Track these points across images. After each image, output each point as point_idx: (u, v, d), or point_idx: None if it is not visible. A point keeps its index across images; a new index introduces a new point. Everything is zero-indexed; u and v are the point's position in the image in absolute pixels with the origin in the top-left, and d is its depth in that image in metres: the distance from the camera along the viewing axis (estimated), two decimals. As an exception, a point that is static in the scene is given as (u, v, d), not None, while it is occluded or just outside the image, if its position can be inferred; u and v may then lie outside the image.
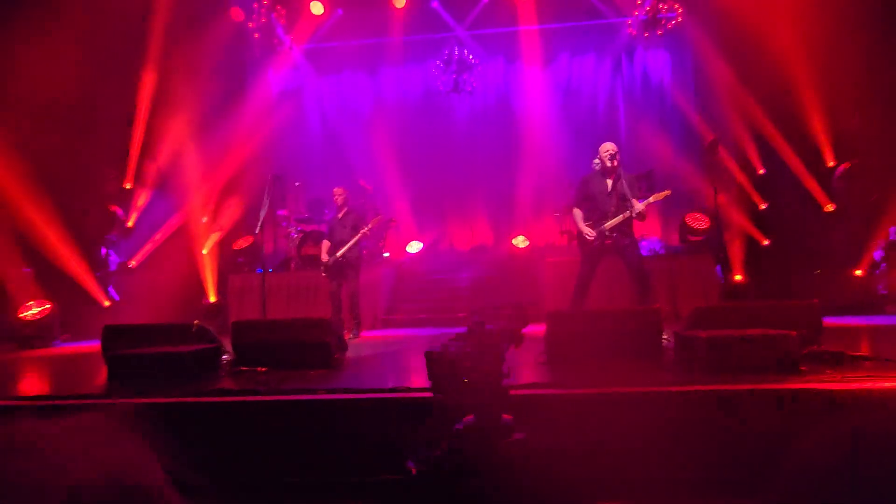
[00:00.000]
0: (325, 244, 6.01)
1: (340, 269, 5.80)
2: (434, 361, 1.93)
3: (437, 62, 8.67)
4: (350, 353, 4.17)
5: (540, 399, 2.89)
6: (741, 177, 7.76)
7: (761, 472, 2.57)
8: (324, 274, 5.90)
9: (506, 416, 2.00)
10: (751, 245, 7.44)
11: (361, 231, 5.75)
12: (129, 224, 7.77)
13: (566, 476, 2.29)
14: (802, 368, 3.03)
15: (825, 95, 6.91)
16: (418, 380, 3.70)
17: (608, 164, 4.66)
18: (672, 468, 2.60)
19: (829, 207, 7.19)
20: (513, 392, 2.90)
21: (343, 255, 5.74)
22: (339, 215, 6.02)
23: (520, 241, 8.24)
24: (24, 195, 6.56)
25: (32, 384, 4.14)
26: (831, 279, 6.61)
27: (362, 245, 6.06)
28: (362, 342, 5.42)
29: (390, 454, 2.69)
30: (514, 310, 2.25)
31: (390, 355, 4.69)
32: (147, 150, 7.84)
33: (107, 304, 7.33)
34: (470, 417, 1.93)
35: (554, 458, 2.27)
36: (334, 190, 6.11)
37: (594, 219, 4.70)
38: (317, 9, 8.64)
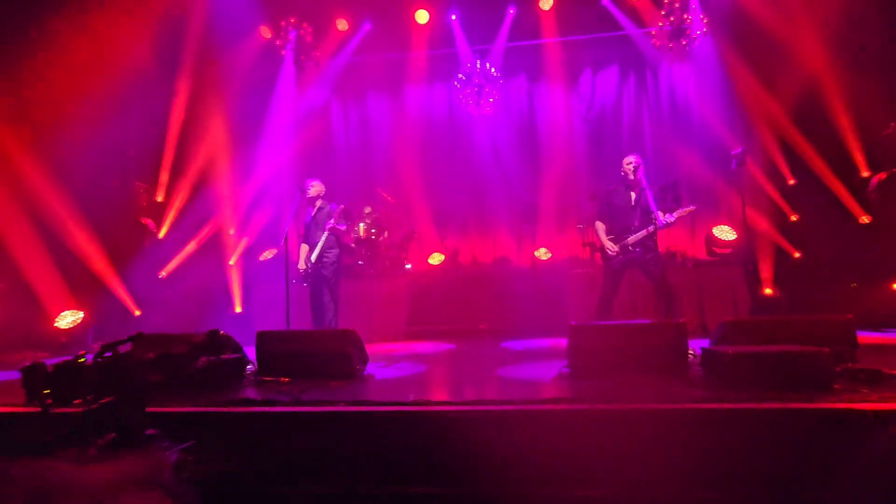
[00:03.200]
0: (303, 249, 5.24)
1: (317, 279, 5.13)
2: (25, 375, 2.11)
3: (460, 75, 8.74)
4: (372, 365, 4.18)
5: (562, 414, 2.85)
6: (770, 188, 7.58)
7: (790, 494, 2.48)
8: (304, 284, 5.17)
9: (151, 431, 2.31)
10: (781, 257, 7.24)
11: (327, 227, 5.02)
12: (161, 235, 7.99)
13: None
14: (836, 387, 2.92)
15: (857, 104, 6.73)
16: (440, 393, 3.70)
17: (631, 176, 4.61)
18: (697, 488, 2.53)
19: (865, 219, 6.95)
20: (533, 407, 2.88)
21: (317, 260, 5.05)
22: (314, 212, 5.26)
23: (542, 254, 8.18)
24: (59, 207, 6.82)
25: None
26: (867, 293, 6.37)
27: (342, 246, 5.30)
28: (384, 353, 5.42)
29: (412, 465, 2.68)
30: (207, 337, 2.50)
31: (410, 368, 4.69)
32: (178, 164, 8.08)
33: (137, 313, 7.53)
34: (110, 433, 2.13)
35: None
36: (308, 182, 5.30)
37: (617, 232, 4.65)
38: (342, 25, 8.83)
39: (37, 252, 6.73)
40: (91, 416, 2.24)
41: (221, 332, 4.02)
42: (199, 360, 2.41)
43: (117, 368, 2.25)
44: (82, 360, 2.22)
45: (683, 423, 2.73)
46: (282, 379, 3.84)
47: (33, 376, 2.19)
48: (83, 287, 6.98)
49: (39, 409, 2.21)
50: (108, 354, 2.26)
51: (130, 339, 2.37)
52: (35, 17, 6.58)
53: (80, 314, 6.59)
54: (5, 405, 3.20)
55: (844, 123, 6.83)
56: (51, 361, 3.00)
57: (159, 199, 8.08)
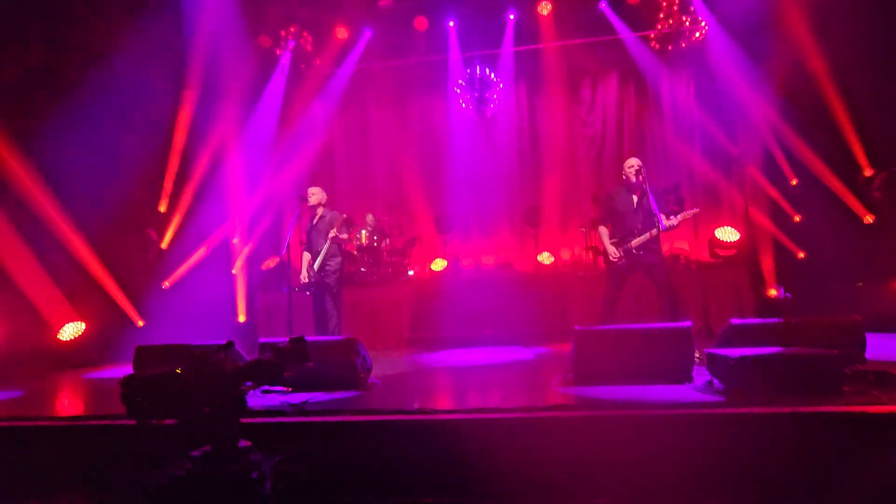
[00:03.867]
0: (305, 257, 5.17)
1: (320, 287, 5.10)
2: (122, 387, 2.04)
3: (460, 81, 8.75)
4: (376, 373, 4.16)
5: (567, 421, 2.83)
6: (773, 189, 7.55)
7: (799, 500, 2.45)
8: (307, 292, 5.13)
9: (244, 443, 2.19)
10: (786, 258, 7.20)
11: (329, 237, 4.96)
12: (164, 246, 8.01)
13: None
14: (845, 389, 2.89)
15: (858, 102, 6.70)
16: (445, 401, 3.68)
17: (633, 179, 4.60)
18: (705, 494, 2.50)
19: (869, 219, 6.91)
20: (538, 415, 2.86)
21: (320, 268, 5.01)
22: (314, 221, 5.21)
23: (545, 258, 8.16)
24: (61, 219, 6.85)
25: (69, 404, 4.26)
26: (874, 293, 6.32)
27: (344, 254, 5.29)
28: (388, 361, 5.40)
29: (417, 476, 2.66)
30: (294, 345, 2.42)
31: (415, 375, 4.67)
32: (182, 174, 8.10)
33: (140, 323, 7.53)
34: (204, 444, 2.08)
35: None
36: (308, 190, 5.26)
37: (620, 235, 4.63)
38: (342, 33, 8.85)
39: (38, 265, 6.75)
40: (186, 429, 2.16)
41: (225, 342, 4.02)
42: (287, 367, 2.37)
43: (211, 378, 2.13)
44: (179, 370, 2.13)
45: (690, 429, 2.70)
46: (285, 389, 3.82)
47: (132, 389, 2.12)
48: (86, 299, 6.99)
49: (136, 423, 2.14)
50: (201, 364, 2.16)
51: (221, 347, 2.29)
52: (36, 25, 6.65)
53: (83, 325, 6.59)
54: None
55: (846, 122, 6.80)
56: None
57: (162, 209, 8.10)
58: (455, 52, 8.92)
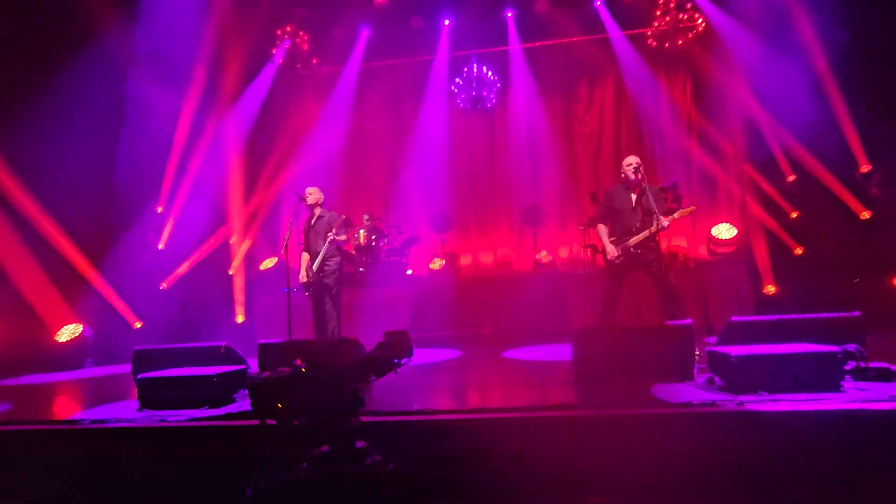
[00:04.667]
0: (304, 257, 5.12)
1: (320, 289, 5.05)
2: (253, 390, 1.97)
3: (457, 80, 8.73)
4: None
5: (568, 420, 2.82)
6: (770, 186, 7.57)
7: (801, 497, 2.44)
8: (306, 294, 5.08)
9: (360, 444, 2.07)
10: (783, 255, 7.21)
11: (328, 238, 4.94)
12: (160, 247, 7.97)
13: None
14: (846, 386, 2.89)
15: (854, 97, 6.71)
16: (444, 401, 3.66)
17: (632, 177, 4.58)
18: (706, 492, 2.49)
19: (865, 214, 6.93)
20: (538, 414, 2.85)
21: (319, 269, 4.98)
22: (312, 221, 5.16)
23: (543, 256, 8.16)
24: (57, 222, 6.82)
25: (66, 407, 4.23)
26: (872, 289, 6.33)
27: (342, 255, 5.25)
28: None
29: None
30: (390, 338, 2.29)
31: (414, 375, 4.66)
32: (179, 175, 8.07)
33: (138, 325, 7.50)
34: (322, 445, 1.98)
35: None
36: (306, 190, 5.21)
37: (619, 234, 4.62)
38: (339, 33, 8.80)
39: (35, 267, 6.71)
40: (304, 430, 2.06)
41: (224, 344, 4.00)
42: (393, 362, 2.29)
43: (327, 378, 2.03)
44: (304, 369, 2.03)
45: (691, 427, 2.70)
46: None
47: (262, 392, 2.03)
48: (82, 301, 6.96)
49: (258, 423, 2.04)
50: (315, 363, 2.05)
51: (332, 344, 2.19)
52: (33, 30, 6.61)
53: (80, 328, 6.56)
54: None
55: (843, 118, 6.81)
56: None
57: (159, 210, 8.06)
58: (452, 50, 8.90)
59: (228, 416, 3.08)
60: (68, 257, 6.99)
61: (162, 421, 3.11)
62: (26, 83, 6.57)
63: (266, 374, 2.09)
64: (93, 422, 3.19)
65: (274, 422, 2.05)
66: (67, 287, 6.90)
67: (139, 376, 3.65)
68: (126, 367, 4.28)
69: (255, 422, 2.17)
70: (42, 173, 6.71)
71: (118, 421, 3.17)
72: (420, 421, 2.85)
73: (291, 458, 2.02)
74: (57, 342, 6.36)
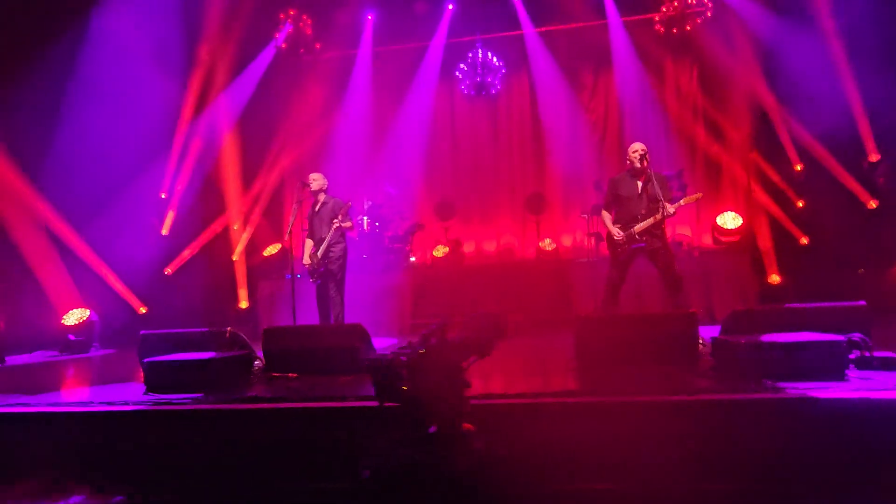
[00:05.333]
0: (308, 244, 5.14)
1: (325, 275, 5.04)
2: (376, 370, 1.93)
3: (461, 65, 8.64)
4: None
5: (571, 407, 2.83)
6: (776, 174, 7.51)
7: (804, 485, 2.46)
8: (311, 280, 5.11)
9: (467, 426, 1.98)
10: (788, 244, 7.18)
11: (333, 224, 4.94)
12: (164, 232, 7.99)
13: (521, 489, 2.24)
14: (850, 375, 2.89)
15: (864, 87, 6.63)
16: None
17: (637, 164, 4.55)
18: (708, 479, 2.51)
19: (872, 204, 6.88)
20: (541, 401, 2.86)
21: (324, 255, 4.98)
22: (317, 207, 5.14)
23: (547, 244, 8.14)
24: (63, 205, 6.84)
25: (75, 390, 4.28)
26: (877, 279, 6.31)
27: (347, 241, 5.24)
28: (390, 347, 5.41)
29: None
30: (485, 320, 2.22)
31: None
32: (182, 160, 8.06)
33: (143, 310, 7.55)
34: (429, 427, 1.92)
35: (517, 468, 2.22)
36: (310, 176, 5.21)
37: (623, 221, 4.60)
38: (343, 18, 8.67)
39: (43, 251, 6.75)
40: (418, 412, 1.97)
41: (229, 329, 4.02)
42: (493, 342, 2.24)
43: (443, 359, 1.95)
44: (422, 350, 1.95)
45: (694, 415, 2.71)
46: (290, 375, 3.84)
47: (381, 372, 1.98)
48: (89, 285, 7.00)
49: (378, 405, 2.00)
50: (433, 344, 1.96)
51: (441, 325, 2.10)
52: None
53: (87, 312, 6.60)
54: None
55: (854, 107, 6.73)
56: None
57: (163, 196, 8.06)
58: (456, 36, 8.80)
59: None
60: (71, 243, 7.02)
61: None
62: (23, 65, 6.54)
63: (386, 355, 2.04)
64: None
65: (392, 404, 2.00)
66: (74, 272, 6.94)
67: (145, 360, 3.68)
68: (131, 352, 4.32)
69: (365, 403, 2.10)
70: (41, 158, 6.72)
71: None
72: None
73: (402, 441, 1.97)
74: (64, 326, 6.40)
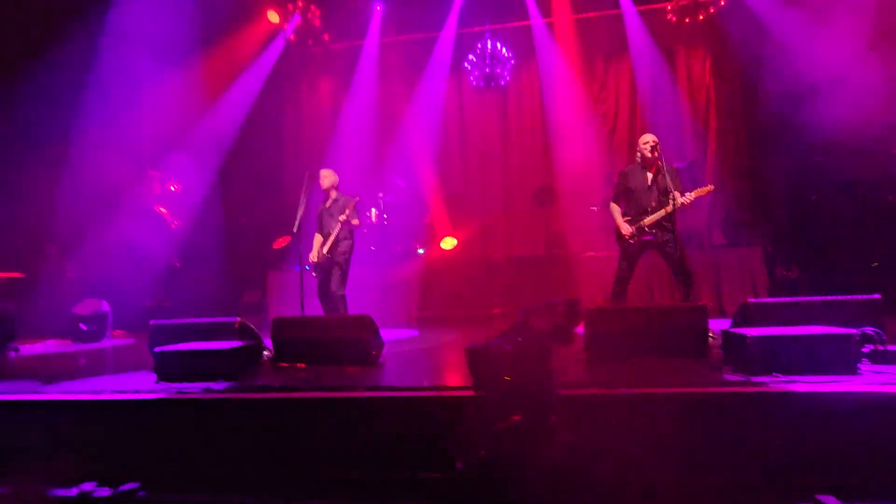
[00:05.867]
0: (317, 239, 5.21)
1: (328, 270, 5.09)
2: (476, 358, 1.88)
3: (470, 56, 8.59)
4: (387, 350, 4.18)
5: (578, 399, 2.82)
6: (790, 167, 7.40)
7: (815, 479, 2.44)
8: (314, 274, 5.13)
9: (553, 417, 1.93)
10: (800, 237, 7.09)
11: (340, 220, 4.97)
12: (174, 225, 8.04)
13: (606, 480, 2.19)
14: (863, 370, 2.85)
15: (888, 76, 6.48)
16: (454, 377, 3.68)
17: (648, 155, 4.50)
18: (716, 472, 2.50)
19: (891, 197, 6.75)
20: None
21: (330, 250, 5.05)
22: (327, 203, 5.23)
23: (555, 237, 8.10)
24: (76, 196, 6.90)
25: (87, 379, 4.33)
26: (892, 272, 6.21)
27: (354, 238, 5.28)
28: (398, 339, 5.43)
29: (427, 451, 2.67)
30: (565, 306, 2.14)
31: (426, 352, 4.69)
32: (194, 153, 8.10)
33: (154, 301, 7.62)
34: (516, 417, 1.87)
35: (597, 461, 2.18)
36: (320, 172, 5.27)
37: (633, 213, 4.56)
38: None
39: (57, 240, 6.82)
40: (499, 399, 1.91)
41: (238, 319, 4.04)
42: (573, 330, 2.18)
43: (536, 347, 1.91)
44: (519, 339, 1.91)
45: (704, 408, 2.69)
46: (298, 365, 3.86)
47: (482, 361, 1.95)
48: (101, 275, 7.07)
49: (474, 395, 1.95)
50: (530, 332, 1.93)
51: (527, 314, 2.05)
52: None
53: (100, 301, 6.68)
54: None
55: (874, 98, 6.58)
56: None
57: (173, 188, 8.11)
58: (465, 26, 8.74)
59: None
60: (85, 232, 7.09)
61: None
62: (42, 58, 6.60)
63: (487, 343, 1.99)
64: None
65: (484, 393, 1.97)
66: (87, 262, 7.02)
67: (156, 349, 3.71)
68: (143, 341, 4.36)
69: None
70: (53, 146, 6.78)
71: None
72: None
73: (492, 432, 1.92)
74: (77, 315, 6.48)
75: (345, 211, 5.01)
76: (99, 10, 6.88)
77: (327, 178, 5.22)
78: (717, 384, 2.82)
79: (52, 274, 7.26)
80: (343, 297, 5.11)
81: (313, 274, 5.16)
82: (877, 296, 3.32)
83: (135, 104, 7.19)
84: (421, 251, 8.23)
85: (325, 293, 5.16)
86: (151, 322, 4.18)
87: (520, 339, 1.92)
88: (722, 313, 6.01)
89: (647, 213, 4.46)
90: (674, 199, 4.29)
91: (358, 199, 5.18)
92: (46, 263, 7.28)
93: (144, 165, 7.88)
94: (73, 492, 2.72)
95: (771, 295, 6.26)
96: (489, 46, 8.38)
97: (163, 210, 7.95)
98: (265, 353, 4.09)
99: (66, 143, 6.95)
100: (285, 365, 3.89)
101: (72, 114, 7.00)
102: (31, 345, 6.11)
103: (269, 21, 8.47)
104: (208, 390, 3.21)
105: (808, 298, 3.44)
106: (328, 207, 5.20)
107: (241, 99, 8.43)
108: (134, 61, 7.21)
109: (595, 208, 7.61)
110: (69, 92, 6.92)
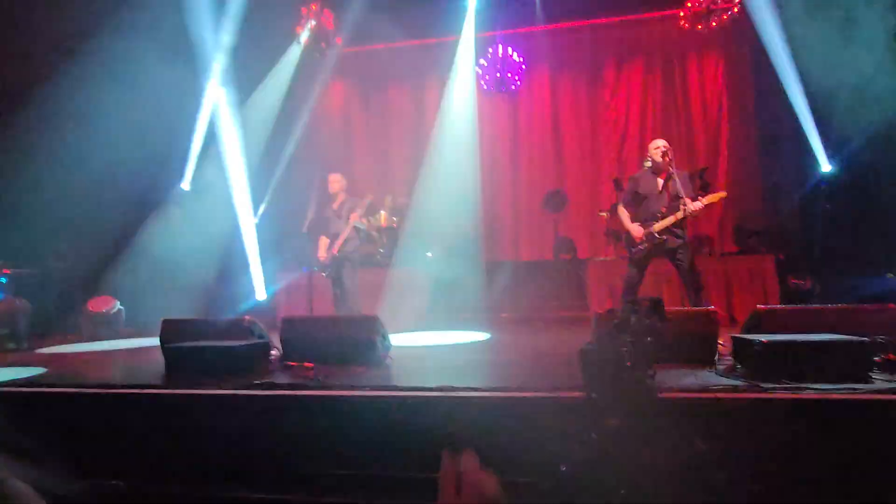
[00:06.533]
0: (323, 241, 5.36)
1: (339, 268, 5.23)
2: (590, 359, 1.84)
3: (482, 61, 8.61)
4: (394, 352, 4.19)
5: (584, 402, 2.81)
6: (803, 175, 7.33)
7: (825, 488, 2.41)
8: (324, 275, 5.28)
9: (657, 419, 1.90)
10: (813, 245, 7.01)
11: (351, 220, 5.13)
12: (185, 224, 8.12)
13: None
14: (875, 378, 2.82)
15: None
16: (463, 380, 3.68)
17: (659, 160, 4.49)
18: (725, 479, 2.47)
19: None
20: (559, 394, 2.85)
21: (339, 251, 5.17)
22: (335, 206, 5.38)
23: (565, 241, 8.08)
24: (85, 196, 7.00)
25: (101, 373, 4.38)
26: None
27: (362, 239, 5.43)
28: (406, 341, 5.43)
29: (434, 451, 2.67)
30: (648, 303, 2.07)
31: (433, 354, 4.70)
32: (205, 153, 8.19)
33: (165, 299, 7.69)
34: (621, 420, 1.83)
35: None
36: (329, 177, 5.45)
37: (643, 219, 4.54)
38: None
39: (70, 239, 6.92)
40: (600, 400, 1.96)
41: (247, 317, 4.08)
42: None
43: (639, 347, 1.80)
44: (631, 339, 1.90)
45: (714, 414, 2.67)
46: (306, 364, 3.88)
47: (597, 361, 1.94)
48: (115, 274, 7.16)
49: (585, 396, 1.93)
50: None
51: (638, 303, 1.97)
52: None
53: (113, 300, 6.77)
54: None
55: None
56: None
57: (186, 188, 8.20)
58: (476, 31, 8.76)
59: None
60: (98, 231, 7.18)
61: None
62: (64, 62, 6.71)
63: (602, 342, 1.95)
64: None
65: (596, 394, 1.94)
66: (101, 261, 7.12)
67: (166, 346, 3.76)
68: (154, 339, 4.41)
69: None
70: (70, 150, 6.89)
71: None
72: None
73: (593, 436, 1.89)
74: (91, 313, 6.57)
75: (355, 210, 5.15)
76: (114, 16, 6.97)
77: (337, 182, 5.39)
78: (724, 389, 2.80)
79: (65, 270, 7.35)
80: (356, 293, 5.21)
81: (324, 274, 5.23)
82: (890, 304, 3.28)
83: (151, 106, 7.28)
84: (429, 255, 8.24)
85: (337, 295, 5.25)
86: (162, 319, 4.22)
87: (630, 339, 1.88)
88: (732, 322, 5.95)
89: (657, 219, 4.44)
90: (684, 205, 4.27)
91: (366, 201, 5.27)
92: (61, 260, 7.38)
93: (162, 164, 7.97)
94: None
95: (783, 303, 6.19)
96: (501, 51, 8.40)
97: (176, 209, 8.04)
98: (273, 351, 4.12)
99: (87, 140, 7.04)
100: (293, 364, 3.91)
101: (89, 120, 7.12)
102: (44, 342, 6.20)
103: (283, 23, 8.56)
104: (217, 387, 3.24)
105: (821, 306, 3.41)
106: (337, 210, 5.32)
107: (253, 101, 8.52)
108: (147, 63, 7.32)
109: (604, 214, 7.58)
110: (87, 87, 7.02)
